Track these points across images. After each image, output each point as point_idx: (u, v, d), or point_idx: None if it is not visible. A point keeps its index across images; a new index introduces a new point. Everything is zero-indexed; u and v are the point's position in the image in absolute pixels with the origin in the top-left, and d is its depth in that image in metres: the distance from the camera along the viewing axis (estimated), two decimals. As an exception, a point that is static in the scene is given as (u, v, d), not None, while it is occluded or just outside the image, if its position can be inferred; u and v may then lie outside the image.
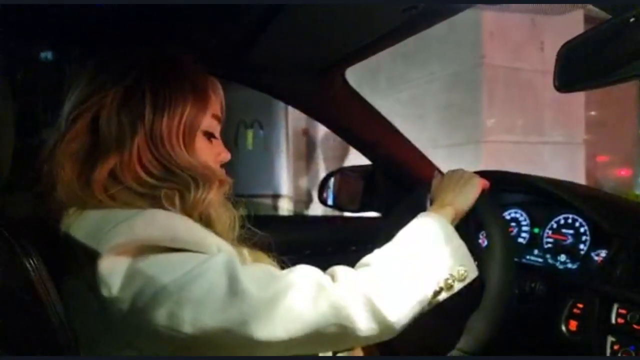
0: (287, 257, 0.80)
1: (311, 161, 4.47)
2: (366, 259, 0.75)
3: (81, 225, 0.61)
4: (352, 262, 0.75)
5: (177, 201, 0.68)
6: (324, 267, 1.30)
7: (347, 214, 1.57)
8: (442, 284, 0.74)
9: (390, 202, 1.27)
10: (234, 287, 0.59)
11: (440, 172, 1.04)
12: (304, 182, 4.49)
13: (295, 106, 1.22)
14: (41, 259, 0.60)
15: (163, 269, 0.59)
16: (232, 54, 1.00)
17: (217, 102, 0.76)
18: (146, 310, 0.57)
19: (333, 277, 0.67)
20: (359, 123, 1.28)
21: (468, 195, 0.87)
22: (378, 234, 1.09)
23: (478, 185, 0.89)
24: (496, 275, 0.81)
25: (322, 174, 3.55)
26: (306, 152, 4.48)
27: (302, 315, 0.60)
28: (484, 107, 2.94)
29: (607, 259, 0.92)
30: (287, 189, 4.51)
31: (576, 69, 0.75)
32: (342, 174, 1.53)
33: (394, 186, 1.36)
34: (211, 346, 0.60)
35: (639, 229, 0.93)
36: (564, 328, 0.90)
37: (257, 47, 0.97)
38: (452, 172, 0.94)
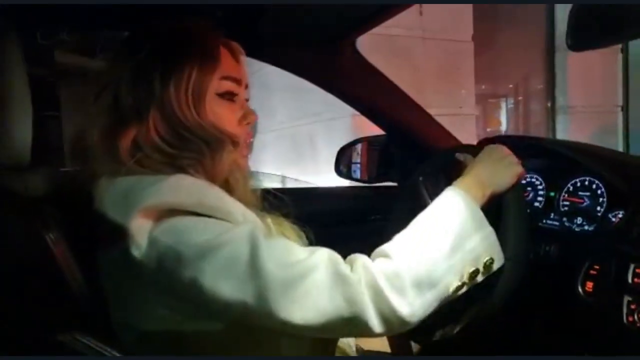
0: (308, 227, 0.82)
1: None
2: (386, 247, 0.69)
3: (112, 191, 0.65)
4: (370, 232, 0.75)
5: (199, 169, 0.70)
6: (344, 237, 1.33)
7: (364, 184, 1.57)
8: (465, 279, 0.70)
9: (406, 170, 1.27)
10: (254, 262, 0.60)
11: (466, 149, 0.95)
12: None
13: (306, 77, 1.22)
14: (63, 232, 0.63)
15: (188, 233, 0.61)
16: (241, 26, 1.00)
17: (230, 64, 0.76)
18: (171, 272, 0.60)
19: (352, 267, 0.65)
20: (371, 92, 1.27)
21: (505, 179, 0.81)
22: (395, 203, 1.10)
23: (517, 175, 0.82)
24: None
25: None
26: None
27: (316, 304, 0.60)
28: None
29: (624, 220, 0.91)
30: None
31: (589, 27, 0.73)
32: (357, 145, 1.53)
33: (408, 155, 1.36)
34: (232, 317, 0.62)
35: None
36: (580, 289, 0.90)
37: (265, 18, 0.97)
38: (493, 148, 0.86)
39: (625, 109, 4.86)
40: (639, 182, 0.94)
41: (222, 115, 0.74)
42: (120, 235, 0.61)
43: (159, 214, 0.62)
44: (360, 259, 0.66)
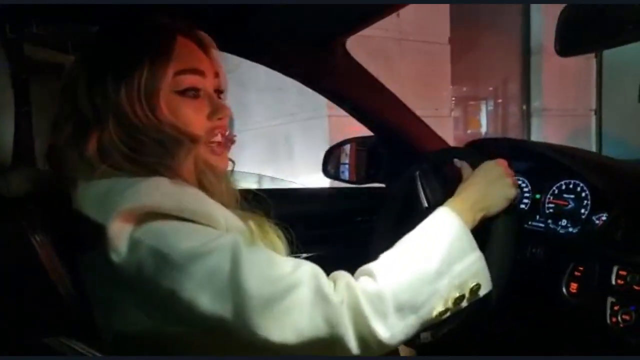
0: (292, 229, 0.81)
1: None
2: (372, 267, 0.68)
3: (89, 194, 0.63)
4: (357, 233, 0.75)
5: (165, 171, 0.67)
6: (331, 239, 1.32)
7: (351, 185, 1.57)
8: (450, 304, 0.69)
9: (394, 172, 1.28)
10: (235, 276, 0.58)
11: (466, 156, 0.94)
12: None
13: (296, 78, 1.21)
14: (49, 234, 0.62)
15: (169, 239, 0.59)
16: (231, 26, 1.00)
17: (192, 56, 0.72)
18: (150, 280, 0.58)
19: (335, 286, 0.63)
20: (360, 94, 1.27)
21: (497, 203, 0.81)
22: (381, 205, 1.11)
23: (510, 198, 0.82)
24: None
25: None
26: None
27: (296, 323, 0.59)
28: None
29: (608, 222, 0.93)
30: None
31: (578, 32, 0.74)
32: (345, 146, 1.53)
33: (397, 157, 1.36)
34: (209, 332, 0.60)
35: (638, 191, 0.94)
36: (564, 291, 0.92)
37: (256, 18, 0.97)
38: (489, 167, 0.85)
39: (599, 112, 4.97)
40: (622, 185, 0.96)
41: (184, 114, 0.69)
42: (98, 238, 0.59)
43: (137, 217, 0.60)
44: (344, 277, 0.65)
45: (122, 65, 0.67)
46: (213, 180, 0.73)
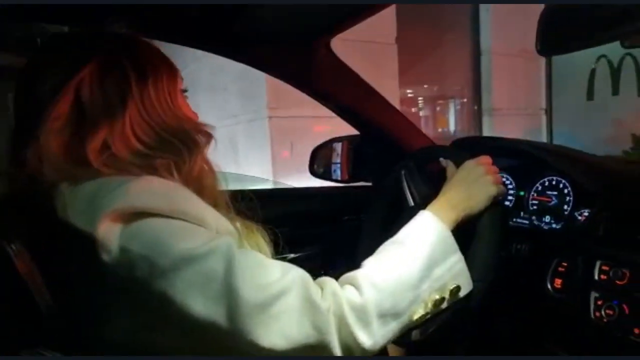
0: (280, 230, 0.81)
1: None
2: (357, 276, 0.69)
3: (77, 196, 0.61)
4: (344, 232, 0.74)
5: (173, 172, 0.67)
6: (318, 238, 1.32)
7: (337, 184, 1.58)
8: (430, 307, 0.70)
9: (380, 171, 1.28)
10: (228, 281, 0.58)
11: (451, 155, 0.95)
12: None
13: (280, 77, 1.21)
14: (25, 242, 0.60)
15: (162, 240, 0.58)
16: (215, 26, 0.99)
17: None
18: (142, 282, 0.58)
19: (322, 291, 0.65)
20: (345, 93, 1.27)
21: (479, 202, 0.81)
22: (368, 204, 1.11)
23: (493, 196, 0.83)
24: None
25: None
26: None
27: (284, 329, 0.60)
28: (267, 83, 2.92)
29: (590, 218, 0.95)
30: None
31: (559, 31, 0.75)
32: (331, 145, 1.53)
33: (382, 155, 1.37)
34: (200, 334, 0.60)
35: (619, 187, 0.95)
36: (549, 286, 0.93)
37: (240, 18, 0.96)
38: (471, 166, 0.86)
39: (549, 111, 5.07)
40: (604, 182, 0.98)
41: (189, 113, 0.73)
42: (87, 241, 0.58)
43: (129, 217, 0.59)
44: (330, 285, 0.66)
45: (145, 62, 0.68)
46: (211, 181, 0.73)
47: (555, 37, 0.75)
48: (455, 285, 0.73)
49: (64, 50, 0.70)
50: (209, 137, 0.73)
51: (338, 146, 1.50)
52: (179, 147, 0.68)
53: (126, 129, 0.66)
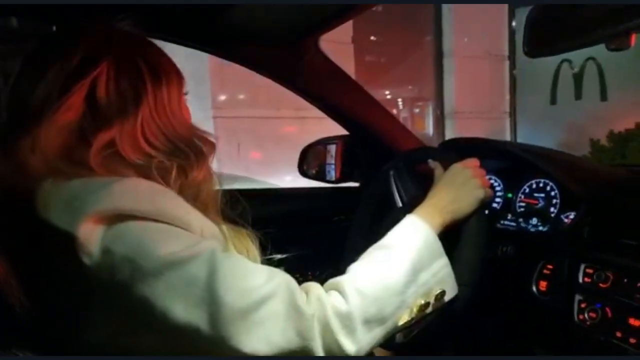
0: (268, 230, 0.80)
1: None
2: (342, 282, 0.68)
3: (60, 194, 0.60)
4: (333, 232, 0.74)
5: (173, 175, 0.66)
6: (307, 239, 1.31)
7: (327, 184, 1.57)
8: (414, 313, 0.70)
9: (370, 171, 1.28)
10: (211, 286, 0.57)
11: (439, 157, 0.95)
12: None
13: (268, 76, 1.20)
14: (1, 240, 0.59)
15: (146, 243, 0.57)
16: (202, 24, 0.98)
17: None
18: (124, 285, 0.57)
19: (307, 296, 0.64)
20: (334, 92, 1.27)
21: (466, 206, 0.82)
22: (357, 204, 1.11)
23: (480, 200, 0.83)
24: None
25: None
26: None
27: (268, 335, 0.59)
28: (210, 82, 2.91)
29: (576, 221, 0.95)
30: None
31: (546, 33, 0.75)
32: (321, 145, 1.53)
33: (371, 156, 1.36)
34: (181, 339, 0.59)
35: (605, 191, 0.96)
36: (534, 288, 0.93)
37: (227, 16, 0.95)
38: (458, 170, 0.86)
39: (513, 115, 5.10)
40: (589, 185, 0.98)
41: (188, 112, 0.74)
42: (68, 243, 0.56)
43: (112, 219, 0.57)
44: (315, 290, 0.66)
45: (159, 64, 0.69)
46: (209, 187, 0.72)
47: (542, 38, 0.75)
48: (440, 290, 0.73)
49: (79, 41, 0.67)
50: (211, 145, 0.73)
51: (332, 147, 1.49)
52: (186, 152, 0.68)
53: (136, 130, 0.65)
